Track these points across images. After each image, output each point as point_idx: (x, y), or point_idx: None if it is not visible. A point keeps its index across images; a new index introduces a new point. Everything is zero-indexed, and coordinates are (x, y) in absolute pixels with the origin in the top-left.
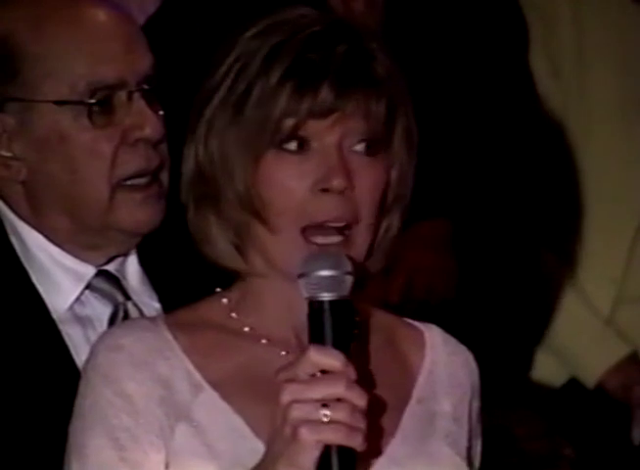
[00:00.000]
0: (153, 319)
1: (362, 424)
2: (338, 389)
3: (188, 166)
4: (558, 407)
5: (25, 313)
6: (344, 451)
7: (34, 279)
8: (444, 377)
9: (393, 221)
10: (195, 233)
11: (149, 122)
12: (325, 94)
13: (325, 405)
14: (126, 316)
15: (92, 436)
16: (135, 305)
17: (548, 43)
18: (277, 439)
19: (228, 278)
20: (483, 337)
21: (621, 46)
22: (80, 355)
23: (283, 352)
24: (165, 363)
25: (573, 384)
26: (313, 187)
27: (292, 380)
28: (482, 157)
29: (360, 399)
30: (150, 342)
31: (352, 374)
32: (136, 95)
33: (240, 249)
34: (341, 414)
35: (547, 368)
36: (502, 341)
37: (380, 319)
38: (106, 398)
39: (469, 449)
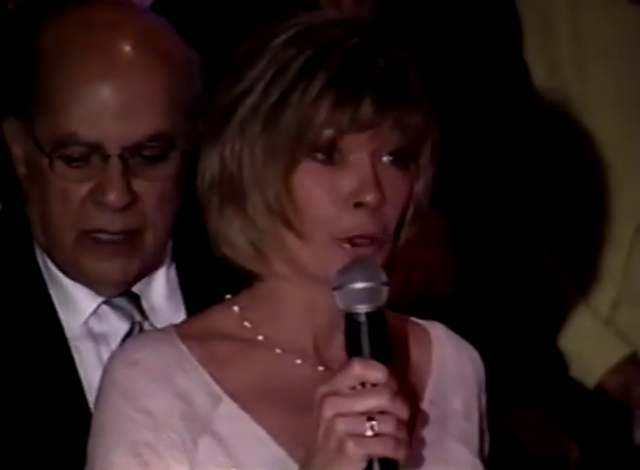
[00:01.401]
0: (164, 330)
1: (406, 436)
2: (382, 401)
3: (211, 166)
4: (558, 407)
5: (37, 326)
6: (387, 463)
7: (52, 292)
8: (452, 375)
9: (411, 233)
10: (215, 234)
11: (114, 190)
12: (366, 107)
13: (370, 418)
14: None
15: (115, 453)
16: (152, 325)
17: (545, 40)
18: (320, 453)
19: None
20: (481, 334)
21: (619, 43)
22: (88, 371)
23: (298, 361)
24: (183, 376)
25: (574, 384)
26: (347, 200)
27: (334, 393)
28: (480, 153)
29: (403, 411)
30: (165, 355)
31: (395, 386)
32: (113, 160)
33: (260, 250)
34: (386, 427)
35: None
36: (500, 338)
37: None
38: (126, 414)
39: (480, 446)
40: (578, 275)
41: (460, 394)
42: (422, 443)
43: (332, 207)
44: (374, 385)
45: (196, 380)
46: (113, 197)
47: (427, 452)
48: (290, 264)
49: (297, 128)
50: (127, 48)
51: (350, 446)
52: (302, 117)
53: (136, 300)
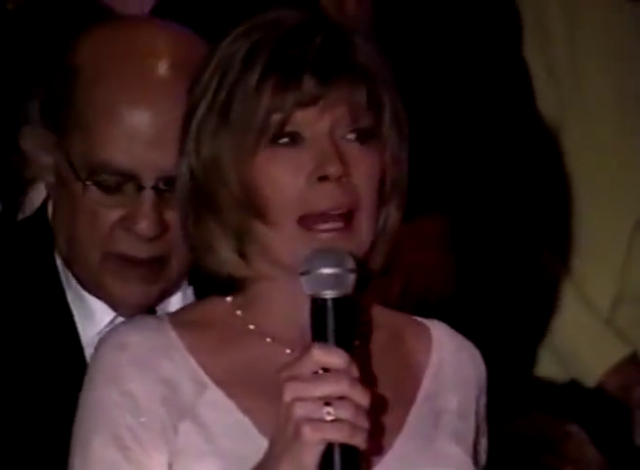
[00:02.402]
0: (158, 318)
1: (365, 422)
2: (341, 387)
3: (182, 182)
4: (558, 407)
5: (55, 334)
6: (347, 450)
7: (70, 300)
8: (451, 374)
9: (392, 210)
10: (197, 245)
11: (145, 220)
12: (308, 84)
13: (328, 404)
14: None
15: (96, 434)
16: None
17: (540, 38)
18: (280, 437)
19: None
20: (482, 335)
21: (614, 41)
22: None
23: (288, 351)
24: (170, 363)
25: (574, 384)
26: (310, 177)
27: (294, 378)
28: (480, 153)
29: (363, 398)
30: (154, 341)
31: (355, 372)
32: (147, 191)
33: (243, 255)
34: (344, 412)
35: (548, 368)
36: (501, 339)
37: (385, 317)
38: (110, 397)
39: (475, 446)
40: (578, 274)
41: (457, 393)
42: (412, 436)
43: (297, 186)
44: (335, 371)
45: (182, 367)
46: (144, 227)
47: (416, 445)
48: (268, 261)
49: (246, 118)
50: (164, 74)
51: (307, 430)
52: (249, 106)
53: (152, 313)
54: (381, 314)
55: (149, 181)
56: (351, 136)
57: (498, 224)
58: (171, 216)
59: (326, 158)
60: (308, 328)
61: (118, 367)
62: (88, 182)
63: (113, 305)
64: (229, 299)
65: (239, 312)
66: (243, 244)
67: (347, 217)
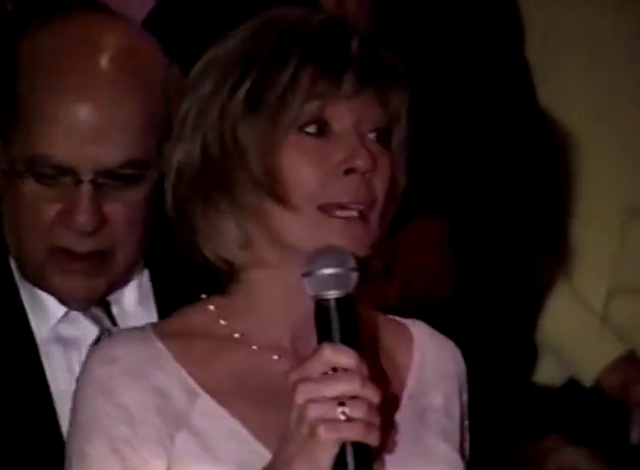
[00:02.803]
0: (142, 329)
1: (377, 420)
2: (353, 386)
3: (191, 160)
4: (557, 407)
5: (7, 330)
6: (360, 448)
7: (24, 299)
8: (433, 372)
9: (389, 214)
10: (200, 228)
11: (83, 214)
12: (348, 79)
13: (341, 403)
14: None
15: (93, 447)
16: None
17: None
18: (293, 438)
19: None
20: (482, 337)
21: (589, 30)
22: (57, 376)
23: (275, 357)
24: (160, 372)
25: (573, 384)
26: (337, 168)
27: (305, 379)
28: (478, 154)
29: (375, 396)
30: (143, 352)
31: (365, 371)
32: (85, 185)
33: (248, 236)
34: (358, 411)
35: (546, 368)
36: (501, 340)
37: (365, 317)
38: (104, 410)
39: (461, 443)
40: (571, 271)
41: (440, 390)
42: (401, 437)
43: (322, 176)
44: (345, 370)
45: (173, 376)
46: (82, 221)
47: (406, 447)
48: (275, 245)
49: (279, 103)
50: (107, 70)
51: (322, 430)
52: (284, 91)
53: (106, 306)
54: (361, 315)
55: (87, 175)
56: (372, 135)
57: (498, 224)
58: (111, 209)
59: (356, 151)
60: (300, 331)
61: (110, 379)
62: (26, 174)
63: (61, 300)
64: (212, 307)
65: (222, 322)
66: (252, 225)
67: (363, 214)
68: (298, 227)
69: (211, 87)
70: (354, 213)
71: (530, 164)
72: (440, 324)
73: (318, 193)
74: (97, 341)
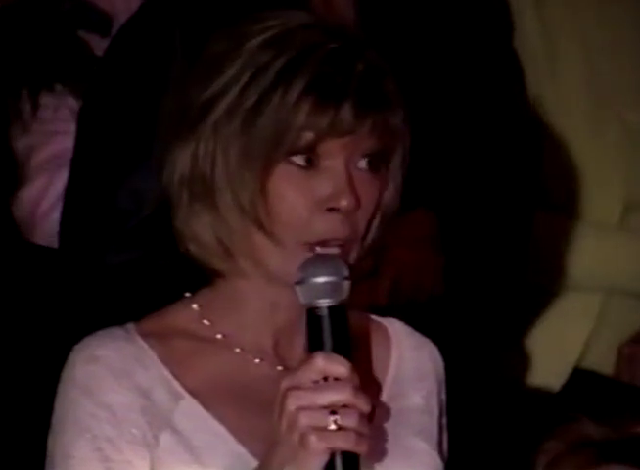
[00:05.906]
0: (125, 328)
1: (367, 430)
2: (345, 395)
3: (182, 164)
4: (555, 407)
5: None
6: (349, 457)
7: None
8: (411, 371)
9: (378, 235)
10: (181, 229)
11: None
12: (345, 112)
13: (333, 412)
14: None
15: (76, 448)
16: None
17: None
18: (282, 445)
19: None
20: (472, 334)
21: (590, 31)
22: None
23: (257, 360)
24: (144, 372)
25: (572, 384)
26: (320, 204)
27: (296, 387)
28: (466, 148)
29: (366, 405)
30: (126, 350)
31: (357, 380)
32: None
33: (226, 247)
34: (349, 421)
35: (544, 368)
36: (490, 338)
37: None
38: (87, 410)
39: (440, 442)
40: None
41: (419, 389)
42: (381, 437)
43: (305, 211)
44: (336, 379)
45: (156, 376)
46: None
47: (386, 447)
48: (255, 264)
49: (275, 131)
50: None
51: (313, 439)
52: (281, 120)
53: None
54: None
55: None
56: (363, 163)
57: (488, 222)
58: None
59: (341, 190)
60: (282, 335)
61: (93, 379)
62: None
63: None
64: (195, 306)
65: (205, 322)
66: (230, 238)
67: (343, 248)
68: (279, 258)
69: (213, 93)
70: (335, 250)
71: (521, 158)
72: (429, 321)
73: (300, 230)
74: None
